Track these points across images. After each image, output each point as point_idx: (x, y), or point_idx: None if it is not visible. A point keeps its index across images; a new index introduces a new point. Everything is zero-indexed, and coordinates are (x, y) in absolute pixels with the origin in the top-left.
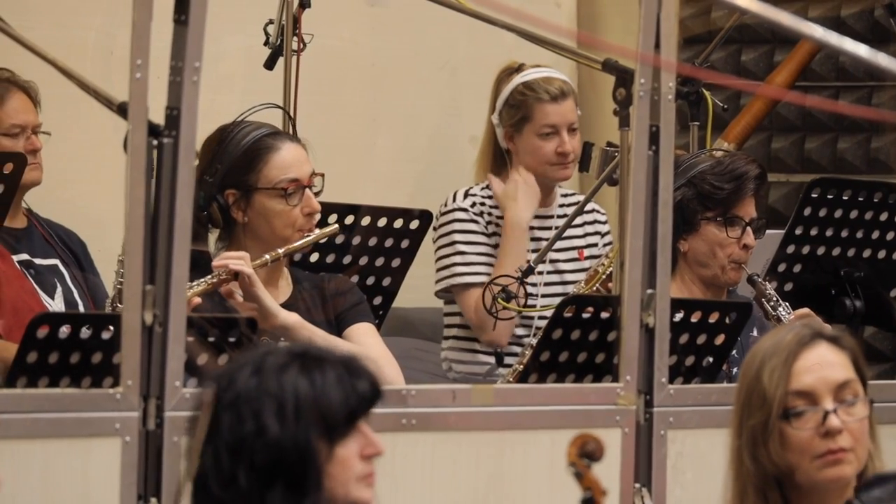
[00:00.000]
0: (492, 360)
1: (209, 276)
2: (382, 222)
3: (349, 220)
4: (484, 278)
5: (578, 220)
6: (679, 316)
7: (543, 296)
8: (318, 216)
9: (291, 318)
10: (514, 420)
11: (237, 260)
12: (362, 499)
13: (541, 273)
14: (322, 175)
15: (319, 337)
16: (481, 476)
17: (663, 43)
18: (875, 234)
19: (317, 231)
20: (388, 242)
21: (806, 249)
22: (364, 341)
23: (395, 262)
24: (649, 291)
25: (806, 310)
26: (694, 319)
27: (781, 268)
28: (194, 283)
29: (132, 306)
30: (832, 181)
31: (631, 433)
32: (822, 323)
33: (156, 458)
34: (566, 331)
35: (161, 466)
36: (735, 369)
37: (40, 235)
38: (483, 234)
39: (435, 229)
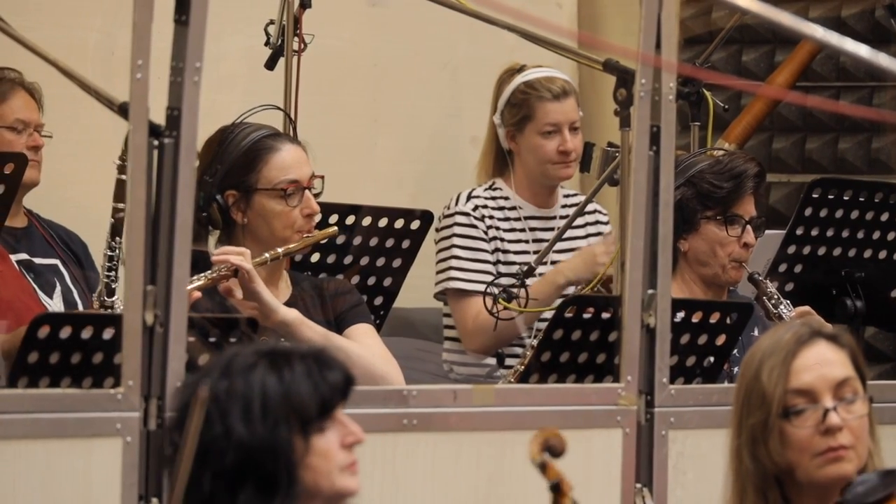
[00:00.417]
0: (493, 361)
1: (209, 272)
2: (383, 222)
3: (350, 220)
4: (477, 286)
5: (580, 221)
6: (680, 316)
7: None
8: (317, 218)
9: (291, 314)
10: (515, 420)
11: (237, 256)
12: (347, 487)
13: (542, 275)
14: (322, 177)
15: (319, 334)
16: (482, 476)
17: (664, 43)
18: (876, 235)
19: (316, 232)
20: (389, 243)
21: (807, 250)
22: (364, 341)
23: (396, 263)
24: (650, 292)
25: (806, 307)
26: (695, 320)
27: (782, 268)
28: (194, 278)
29: (133, 306)
30: (833, 181)
31: (632, 433)
32: (822, 321)
33: (157, 459)
34: (567, 331)
35: (162, 467)
36: (736, 368)
37: (40, 235)
38: (482, 239)
39: (437, 231)
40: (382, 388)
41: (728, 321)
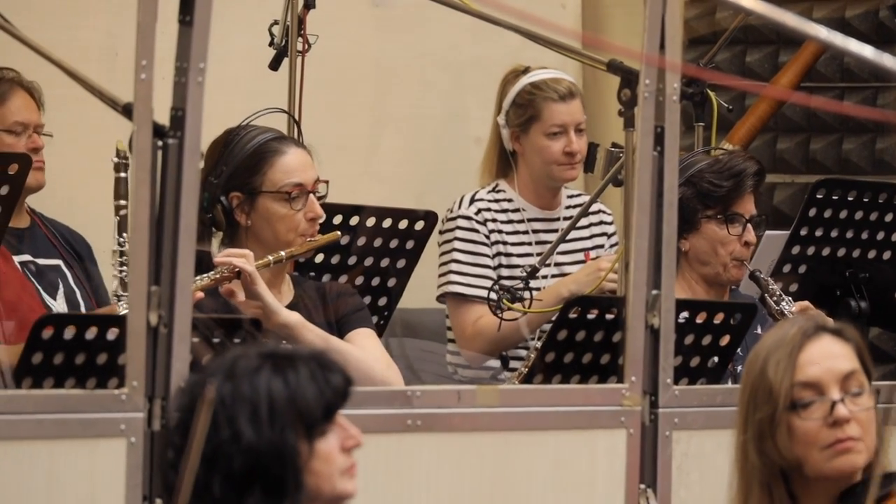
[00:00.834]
0: (497, 363)
1: (212, 272)
2: (387, 223)
3: (354, 220)
4: (477, 291)
5: (584, 222)
6: (684, 316)
7: None
8: (320, 221)
9: (293, 317)
10: (519, 421)
11: (240, 258)
12: (346, 491)
13: (545, 277)
14: (326, 182)
15: (319, 337)
16: (486, 477)
17: (668, 44)
18: (880, 235)
19: (319, 237)
20: (393, 243)
21: (811, 250)
22: (364, 345)
23: (400, 263)
24: (654, 292)
25: (806, 303)
26: (699, 320)
27: (787, 269)
28: (197, 279)
29: (137, 307)
30: (837, 182)
31: (636, 434)
32: (824, 315)
33: (161, 459)
34: (571, 332)
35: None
36: (739, 367)
37: (43, 236)
38: (484, 243)
39: (440, 233)
40: (386, 389)
41: (732, 321)
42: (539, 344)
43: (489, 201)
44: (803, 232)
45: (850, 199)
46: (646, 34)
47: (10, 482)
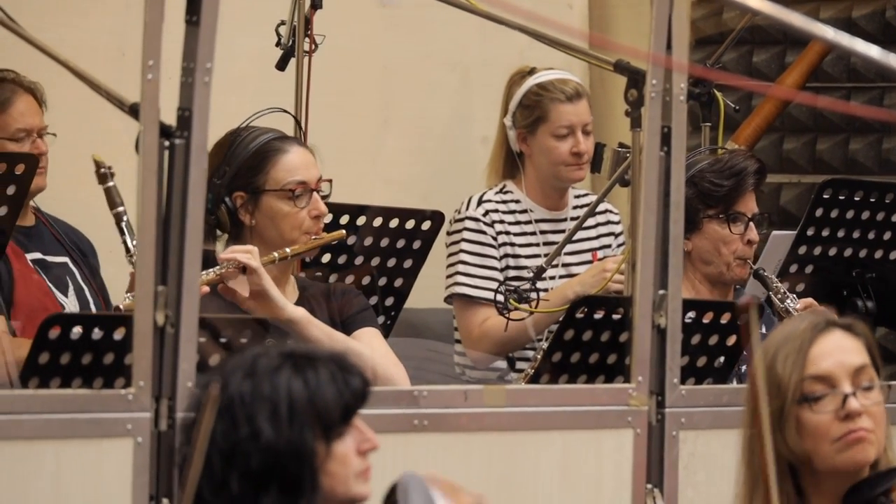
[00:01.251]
0: (503, 364)
1: (217, 267)
2: (394, 223)
3: (361, 220)
4: (483, 293)
5: (591, 222)
6: (690, 316)
7: None
8: (326, 220)
9: (298, 312)
10: (525, 421)
11: (245, 253)
12: (361, 494)
13: (552, 278)
14: (330, 181)
15: (325, 333)
16: (493, 477)
17: (675, 44)
18: (887, 235)
19: (324, 234)
20: (400, 243)
21: (818, 250)
22: (370, 344)
23: (407, 263)
24: (661, 292)
25: (810, 300)
26: (706, 320)
27: (793, 269)
28: (202, 273)
29: (144, 307)
30: (844, 182)
31: (643, 434)
32: (827, 311)
33: (168, 459)
34: (578, 332)
35: (173, 467)
36: (744, 367)
37: (49, 234)
38: (491, 245)
39: (448, 234)
40: (393, 389)
41: (738, 321)
42: (546, 345)
43: (497, 202)
44: (810, 232)
45: (856, 199)
46: (653, 34)
47: (17, 482)
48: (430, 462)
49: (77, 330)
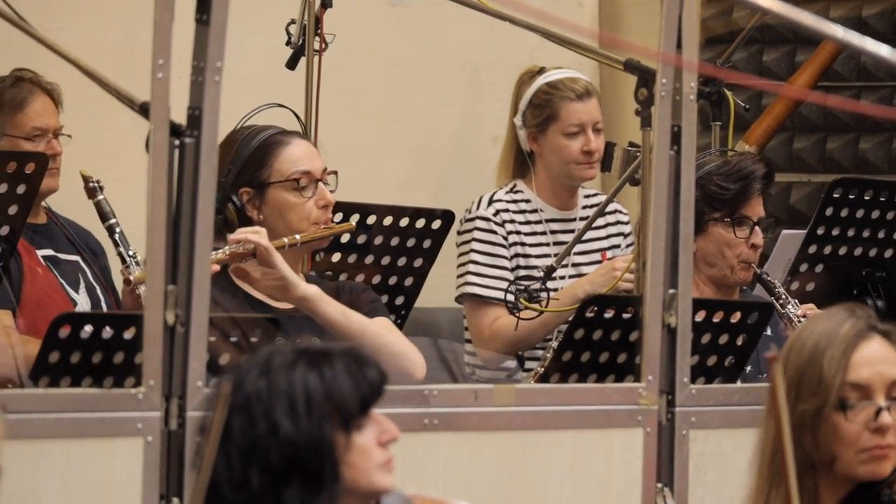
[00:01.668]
0: (513, 363)
1: (228, 247)
2: (404, 222)
3: (371, 219)
4: (494, 292)
5: (601, 222)
6: (701, 316)
7: None
8: (331, 209)
9: (311, 289)
10: (536, 420)
11: (254, 234)
12: (384, 485)
13: (563, 277)
14: (335, 172)
15: (338, 310)
16: (503, 476)
17: (685, 43)
18: None
19: (333, 224)
20: (411, 242)
21: (828, 249)
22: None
23: (417, 263)
24: (671, 291)
25: (811, 306)
26: (716, 319)
27: (803, 268)
28: (213, 252)
29: (154, 306)
30: (854, 181)
31: (653, 433)
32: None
33: (178, 458)
34: (588, 331)
35: (183, 466)
36: (749, 367)
37: (60, 232)
38: (502, 245)
39: (458, 234)
40: (403, 388)
41: (749, 321)
42: (556, 344)
43: (507, 202)
44: (820, 231)
45: (866, 198)
46: (663, 33)
47: (28, 481)
48: (440, 461)
49: (87, 329)
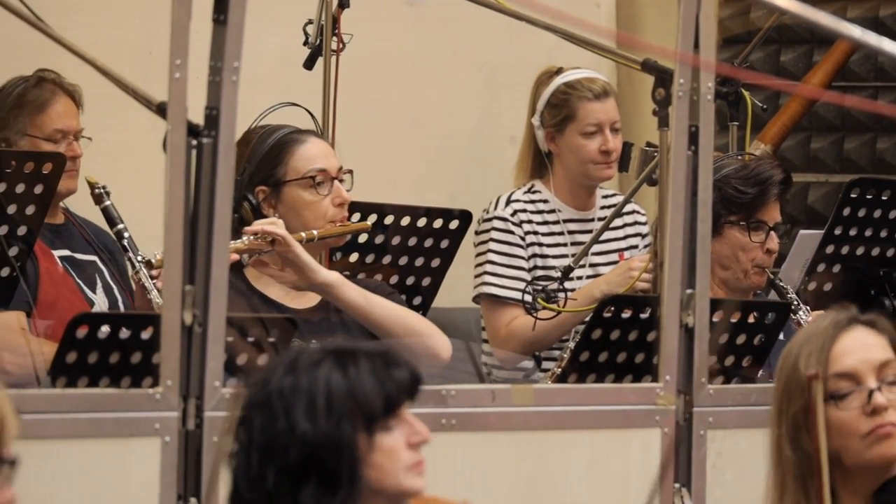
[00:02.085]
0: (530, 363)
1: (246, 237)
2: (422, 222)
3: (389, 219)
4: (511, 293)
5: (618, 222)
6: (718, 316)
7: None
8: (347, 207)
9: (332, 275)
10: (553, 420)
11: (271, 225)
12: (413, 487)
13: (580, 278)
14: (350, 171)
15: (361, 294)
16: (521, 476)
17: (702, 43)
18: None
19: (349, 223)
20: (428, 242)
21: (845, 249)
22: None
23: (435, 263)
24: (689, 291)
25: (820, 313)
26: (733, 319)
27: (821, 268)
28: (232, 242)
29: (172, 306)
30: (871, 181)
31: (670, 433)
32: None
33: (195, 458)
34: (606, 331)
35: (201, 466)
36: (760, 372)
37: (78, 233)
38: (519, 245)
39: (476, 234)
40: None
41: (766, 321)
42: (573, 344)
43: (525, 202)
44: (837, 231)
45: (884, 198)
46: (680, 33)
47: (45, 481)
48: (457, 461)
49: (105, 329)
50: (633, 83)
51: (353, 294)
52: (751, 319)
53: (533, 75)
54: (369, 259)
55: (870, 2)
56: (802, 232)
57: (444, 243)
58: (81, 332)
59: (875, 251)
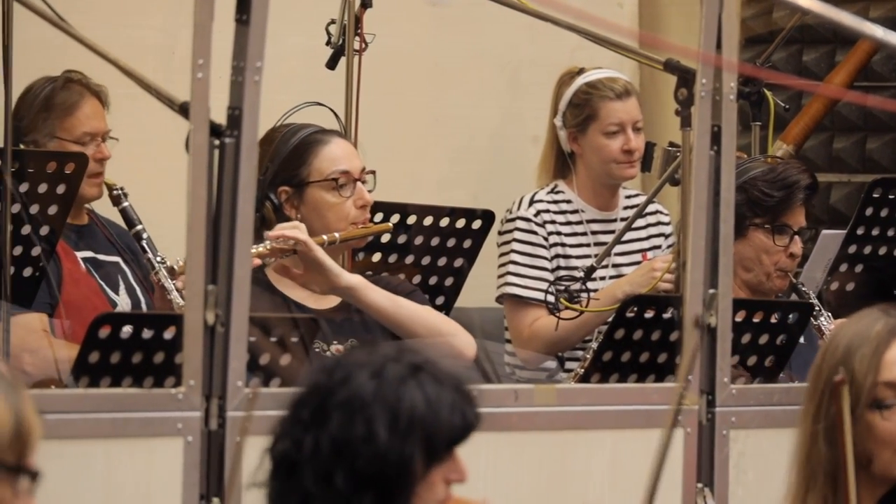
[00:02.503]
0: (553, 364)
1: (268, 241)
2: (444, 222)
3: (411, 219)
4: (534, 293)
5: (641, 222)
6: (741, 316)
7: None
8: (369, 209)
9: (355, 278)
10: (576, 420)
11: (293, 229)
12: None
13: (602, 278)
14: (373, 172)
15: (385, 296)
16: (543, 476)
17: (725, 43)
18: None
19: (371, 224)
20: (451, 242)
21: (867, 249)
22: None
23: (458, 262)
24: (711, 291)
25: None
26: (756, 319)
27: (843, 268)
28: (255, 246)
29: (194, 306)
30: (893, 181)
31: (693, 433)
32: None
33: (218, 458)
34: (628, 331)
35: (223, 466)
36: (781, 374)
37: (101, 233)
38: (542, 245)
39: (499, 234)
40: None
41: (788, 321)
42: (596, 344)
43: (548, 202)
44: (860, 231)
45: None
46: (702, 33)
47: (68, 481)
48: (480, 461)
49: (127, 329)
50: (655, 83)
51: (376, 296)
52: (773, 319)
53: (555, 75)
54: (392, 259)
55: (892, 2)
56: (825, 232)
57: (467, 243)
58: (104, 332)
59: None
